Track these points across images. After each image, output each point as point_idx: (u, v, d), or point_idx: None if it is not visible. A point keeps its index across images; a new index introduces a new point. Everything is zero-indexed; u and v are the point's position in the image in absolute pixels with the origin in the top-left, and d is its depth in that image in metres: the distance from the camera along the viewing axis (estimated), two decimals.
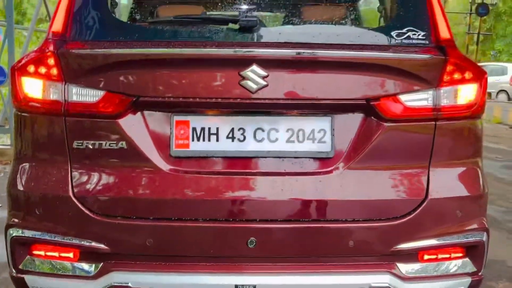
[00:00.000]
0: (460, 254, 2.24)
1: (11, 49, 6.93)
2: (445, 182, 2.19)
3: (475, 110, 2.22)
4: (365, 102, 2.15)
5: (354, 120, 2.18)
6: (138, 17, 2.43)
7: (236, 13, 2.25)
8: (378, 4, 2.55)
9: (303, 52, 2.09)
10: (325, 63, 2.15)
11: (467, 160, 2.24)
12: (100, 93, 2.14)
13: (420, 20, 2.24)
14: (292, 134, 2.19)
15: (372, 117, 2.17)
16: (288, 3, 2.36)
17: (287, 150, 2.18)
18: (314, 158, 2.18)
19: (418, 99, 2.17)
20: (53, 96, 2.16)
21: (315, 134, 2.19)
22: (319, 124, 2.19)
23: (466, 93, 2.20)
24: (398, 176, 2.17)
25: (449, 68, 2.18)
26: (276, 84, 2.11)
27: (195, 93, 2.12)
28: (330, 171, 2.15)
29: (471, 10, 32.42)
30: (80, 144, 2.16)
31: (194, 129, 2.18)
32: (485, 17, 30.31)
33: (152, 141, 2.15)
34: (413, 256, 2.19)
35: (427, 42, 2.22)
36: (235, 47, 2.11)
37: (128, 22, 2.41)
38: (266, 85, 2.10)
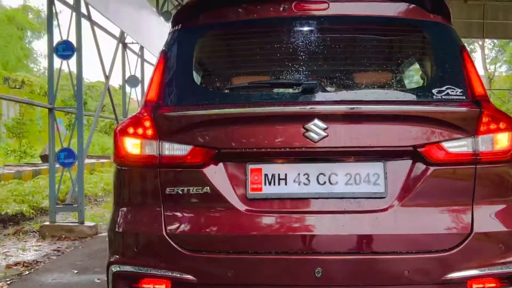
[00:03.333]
0: (506, 282, 2.39)
1: (80, 133, 7.59)
2: (488, 218, 2.37)
3: (510, 155, 2.45)
4: (412, 149, 2.38)
5: (403, 164, 2.40)
6: (216, 84, 2.71)
7: (299, 77, 2.55)
8: (420, 68, 2.84)
9: (356, 107, 2.39)
10: (376, 116, 2.40)
11: (507, 198, 2.44)
12: (188, 148, 2.43)
13: (457, 79, 2.51)
14: (350, 177, 2.42)
15: (419, 162, 2.39)
16: (342, 69, 2.60)
17: (346, 192, 2.40)
18: (370, 198, 2.38)
19: (459, 145, 2.40)
20: (149, 151, 2.47)
21: (370, 178, 2.40)
22: (373, 169, 2.41)
23: (501, 140, 2.43)
24: (445, 213, 2.37)
25: (484, 119, 2.42)
26: (335, 135, 2.37)
27: (267, 145, 2.39)
28: (385, 209, 2.35)
29: None
30: (171, 190, 2.45)
31: (266, 175, 2.43)
32: None
33: (231, 186, 2.42)
34: (462, 285, 2.33)
35: (464, 97, 2.48)
36: (299, 105, 2.41)
37: (209, 88, 2.69)
38: (326, 136, 2.37)
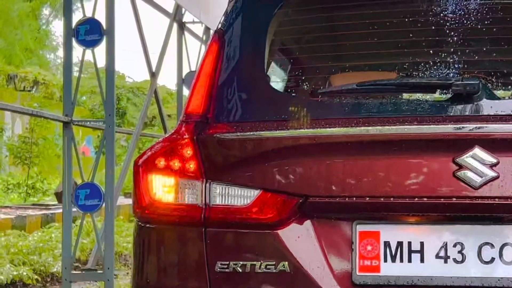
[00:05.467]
0: None
1: (110, 159, 7.64)
2: None
3: None
4: None
5: None
6: (305, 87, 2.74)
7: (446, 73, 2.47)
8: None
9: None
10: None
11: None
12: (254, 193, 2.40)
13: None
14: None
15: None
16: None
17: None
18: None
19: None
20: (190, 199, 2.45)
21: None
22: None
23: None
24: None
25: None
26: (510, 175, 2.22)
27: (388, 191, 2.30)
28: None
29: None
30: (225, 266, 2.40)
31: (386, 243, 2.34)
32: None
33: (325, 261, 2.34)
34: None
35: None
36: (446, 123, 2.29)
37: (293, 94, 2.73)
38: (497, 177, 2.23)
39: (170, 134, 2.61)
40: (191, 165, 2.46)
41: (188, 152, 2.47)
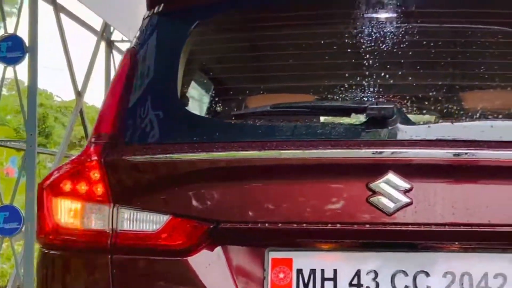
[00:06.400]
0: None
1: (30, 181, 7.47)
2: None
3: None
4: None
5: None
6: (219, 109, 2.73)
7: (361, 97, 2.47)
8: None
9: (465, 154, 2.21)
10: (502, 171, 2.25)
11: None
12: (163, 219, 2.34)
13: None
14: (452, 280, 2.26)
15: None
16: (438, 85, 2.54)
17: None
18: None
19: None
20: (96, 224, 2.39)
21: (489, 282, 2.26)
22: (495, 265, 2.27)
23: None
24: None
25: None
26: (424, 201, 2.21)
27: (301, 216, 2.26)
28: None
29: None
30: None
31: (299, 271, 2.29)
32: None
33: None
34: None
35: None
36: (361, 148, 2.26)
37: (207, 116, 2.73)
38: (410, 203, 2.21)
39: (77, 156, 2.54)
40: (98, 189, 2.40)
41: (96, 175, 2.41)
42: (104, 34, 11.61)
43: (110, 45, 12.12)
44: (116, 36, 12.11)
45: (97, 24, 11.40)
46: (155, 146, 2.45)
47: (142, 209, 2.36)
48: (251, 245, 2.34)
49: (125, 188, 2.41)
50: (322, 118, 2.49)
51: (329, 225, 2.25)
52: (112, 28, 11.65)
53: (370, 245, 2.30)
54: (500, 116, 2.44)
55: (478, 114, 2.44)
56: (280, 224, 2.28)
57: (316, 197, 2.28)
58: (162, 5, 2.79)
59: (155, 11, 2.80)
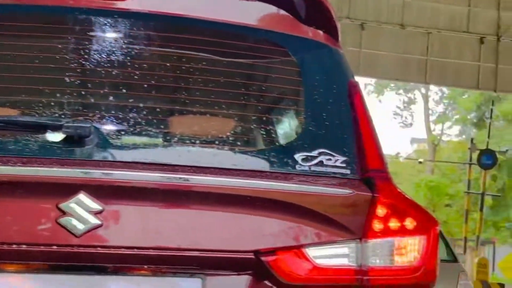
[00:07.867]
0: None
1: None
2: None
3: (420, 276, 2.40)
4: (253, 257, 2.29)
5: (237, 283, 2.32)
6: None
7: (59, 115, 2.40)
8: (280, 114, 2.83)
9: (160, 177, 2.25)
10: (194, 196, 2.30)
11: None
12: None
13: (339, 138, 2.53)
14: None
15: (265, 280, 2.31)
16: (144, 107, 2.53)
17: None
18: None
19: (334, 255, 2.35)
20: None
21: None
22: None
23: (405, 248, 2.40)
24: None
25: (379, 210, 2.38)
26: (115, 224, 2.21)
27: None
28: None
29: (471, 160, 33.52)
30: None
31: None
32: (491, 169, 31.38)
33: None
34: None
35: (348, 171, 2.47)
36: (53, 166, 2.22)
37: None
38: (100, 225, 2.19)
39: None
40: None
41: None
42: None
43: None
44: None
45: None
46: None
47: None
48: None
49: None
50: (17, 134, 2.36)
51: (14, 246, 2.18)
52: None
53: (59, 267, 2.25)
54: (197, 142, 2.49)
55: (176, 139, 2.50)
56: None
57: (2, 214, 2.20)
58: None
59: None
